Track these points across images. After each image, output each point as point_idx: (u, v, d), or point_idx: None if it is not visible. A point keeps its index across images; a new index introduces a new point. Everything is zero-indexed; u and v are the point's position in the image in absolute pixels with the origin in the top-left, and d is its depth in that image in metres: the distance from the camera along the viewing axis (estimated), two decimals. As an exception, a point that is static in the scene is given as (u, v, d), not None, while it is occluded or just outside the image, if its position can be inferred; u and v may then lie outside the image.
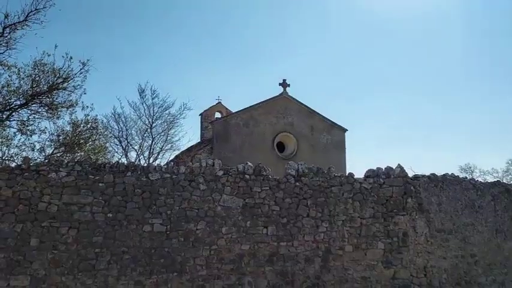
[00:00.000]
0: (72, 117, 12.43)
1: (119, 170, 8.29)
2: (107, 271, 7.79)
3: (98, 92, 47.58)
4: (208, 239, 8.38)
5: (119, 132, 27.24)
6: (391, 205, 9.53)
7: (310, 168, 9.38)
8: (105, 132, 16.46)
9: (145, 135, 27.19)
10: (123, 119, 27.16)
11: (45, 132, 12.41)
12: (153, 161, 26.34)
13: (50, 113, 11.12)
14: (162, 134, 27.17)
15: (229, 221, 8.57)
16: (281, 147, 21.11)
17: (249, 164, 9.11)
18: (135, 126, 27.43)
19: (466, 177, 10.83)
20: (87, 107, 12.28)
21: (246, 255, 8.53)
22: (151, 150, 26.90)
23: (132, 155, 26.97)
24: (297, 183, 9.11)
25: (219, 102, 26.49)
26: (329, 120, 22.09)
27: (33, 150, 12.00)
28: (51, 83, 10.49)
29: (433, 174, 10.33)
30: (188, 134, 54.39)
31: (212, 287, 8.23)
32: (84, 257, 7.73)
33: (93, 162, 8.23)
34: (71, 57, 11.19)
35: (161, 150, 27.92)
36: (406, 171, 9.90)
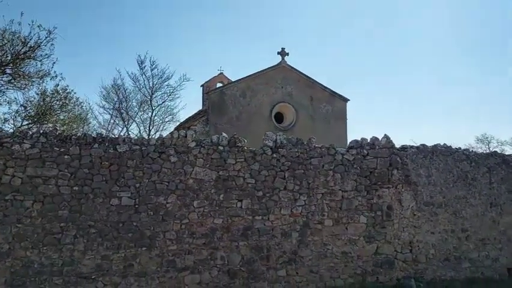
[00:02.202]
0: (40, 87, 12.30)
1: (86, 142, 7.98)
2: (73, 245, 7.59)
3: (100, 65, 47.42)
4: (179, 213, 8.10)
5: (119, 104, 27.33)
6: (375, 177, 9.11)
7: (289, 139, 8.95)
8: (82, 103, 16.09)
9: (145, 107, 27.15)
10: (122, 91, 27.18)
11: (10, 104, 12.35)
12: (155, 133, 26.38)
13: (17, 83, 10.89)
14: (162, 105, 27.09)
15: (202, 194, 8.25)
16: (280, 118, 20.60)
17: (224, 135, 8.72)
18: (136, 98, 27.47)
19: (459, 148, 10.23)
20: (56, 76, 11.96)
21: (218, 229, 8.24)
22: (152, 122, 26.90)
23: (133, 127, 26.96)
24: (274, 155, 8.70)
25: (221, 73, 25.93)
26: (330, 89, 21.34)
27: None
28: (17, 52, 10.22)
29: (423, 145, 9.80)
30: (189, 106, 54.15)
31: (183, 262, 7.99)
32: (49, 231, 7.53)
33: (58, 134, 7.94)
34: (39, 25, 10.86)
35: (162, 122, 27.90)
36: (393, 141, 9.41)
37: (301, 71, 20.87)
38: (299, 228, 8.61)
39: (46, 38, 10.86)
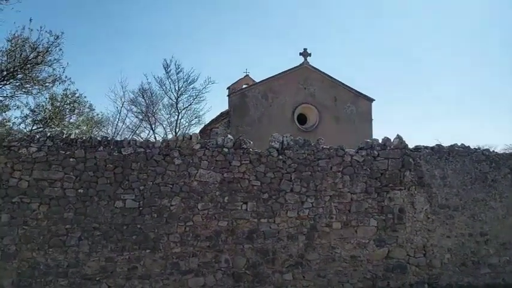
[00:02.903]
0: (50, 91, 12.53)
1: (91, 145, 8.06)
2: (78, 247, 7.67)
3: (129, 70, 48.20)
4: (183, 215, 8.05)
5: (146, 108, 27.81)
6: (386, 179, 8.79)
7: (296, 141, 8.76)
8: (89, 107, 16.40)
9: (172, 110, 27.51)
10: (148, 95, 27.63)
11: (22, 108, 12.66)
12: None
13: (28, 88, 11.17)
14: (188, 108, 27.41)
15: (206, 197, 8.18)
16: (303, 119, 20.38)
17: (229, 136, 8.63)
18: (162, 102, 27.89)
19: (479, 148, 9.76)
20: (65, 81, 12.16)
21: (223, 232, 8.15)
22: (178, 124, 27.20)
23: (160, 130, 27.39)
24: (280, 157, 8.53)
25: (247, 75, 25.91)
26: (354, 90, 20.99)
27: (4, 126, 12.12)
28: (26, 57, 10.46)
29: (438, 145, 9.41)
30: (215, 108, 54.49)
31: (187, 264, 7.94)
32: (54, 233, 7.64)
33: (65, 137, 8.06)
34: (50, 31, 11.10)
35: (189, 125, 28.17)
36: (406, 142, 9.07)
37: (325, 72, 20.60)
38: (306, 231, 8.40)
39: (53, 43, 11.13)
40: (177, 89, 27.25)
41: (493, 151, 10.02)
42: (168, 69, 26.88)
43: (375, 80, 49.10)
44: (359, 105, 20.86)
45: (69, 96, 12.90)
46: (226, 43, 51.53)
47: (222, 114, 21.74)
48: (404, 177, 8.84)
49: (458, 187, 9.23)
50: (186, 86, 27.30)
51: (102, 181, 7.93)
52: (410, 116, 49.76)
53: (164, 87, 27.25)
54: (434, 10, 52.22)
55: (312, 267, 8.33)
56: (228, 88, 26.03)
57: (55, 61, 11.56)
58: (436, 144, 9.44)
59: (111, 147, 8.12)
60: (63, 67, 11.86)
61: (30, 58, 10.69)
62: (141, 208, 7.96)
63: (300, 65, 20.33)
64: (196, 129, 26.91)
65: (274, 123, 18.71)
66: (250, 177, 8.38)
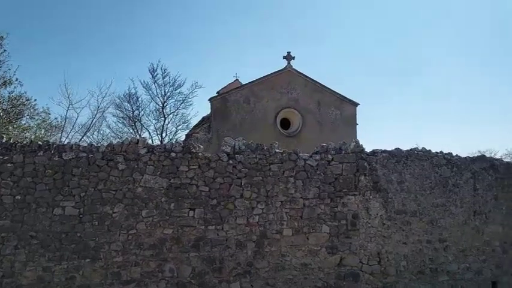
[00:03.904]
0: None
1: (31, 150, 7.77)
2: (14, 256, 7.40)
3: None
4: (125, 223, 7.77)
5: (132, 113, 27.43)
6: (340, 184, 8.53)
7: (248, 145, 8.48)
8: (39, 111, 16.04)
9: (158, 115, 27.15)
10: (134, 100, 27.24)
11: None
12: (168, 141, 26.43)
13: None
14: (175, 114, 27.08)
15: (151, 203, 7.90)
16: (287, 124, 20.04)
17: (179, 141, 8.34)
18: (148, 106, 27.54)
19: (441, 152, 9.50)
20: (10, 83, 11.78)
21: (168, 240, 7.88)
22: (164, 129, 26.86)
23: (146, 135, 27.08)
24: (230, 161, 8.25)
25: (236, 79, 25.33)
26: (338, 94, 20.58)
27: None
28: None
29: (397, 149, 9.14)
30: (204, 113, 54.04)
31: (129, 274, 7.67)
32: (-11, 242, 7.35)
33: (3, 142, 7.75)
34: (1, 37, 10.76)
35: (177, 131, 27.80)
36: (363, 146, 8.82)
37: (309, 76, 20.21)
38: (255, 238, 8.14)
39: None
40: (163, 93, 26.91)
41: (456, 155, 9.76)
42: (155, 74, 26.48)
43: (366, 84, 48.83)
44: (343, 109, 20.48)
45: (15, 99, 12.49)
46: (215, 48, 51.03)
47: (203, 119, 21.41)
48: (359, 182, 8.59)
49: (417, 192, 8.98)
50: (172, 91, 26.95)
51: (41, 187, 7.64)
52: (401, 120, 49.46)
53: (150, 92, 26.86)
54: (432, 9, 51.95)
55: (261, 275, 8.07)
56: (218, 93, 25.72)
57: (1, 62, 11.21)
58: (395, 148, 9.18)
59: (52, 151, 7.82)
60: (9, 69, 11.50)
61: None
62: (81, 216, 7.68)
63: (283, 68, 19.96)
64: (183, 135, 26.57)
65: (256, 127, 18.41)
66: (198, 182, 8.11)
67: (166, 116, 26.98)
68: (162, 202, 7.94)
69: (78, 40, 43.18)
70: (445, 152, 9.63)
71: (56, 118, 18.35)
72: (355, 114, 20.82)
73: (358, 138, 19.90)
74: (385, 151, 9.01)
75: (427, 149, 9.44)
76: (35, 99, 14.76)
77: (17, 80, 11.85)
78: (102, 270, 7.59)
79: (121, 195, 7.83)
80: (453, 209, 9.23)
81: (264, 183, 8.28)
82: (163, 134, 26.82)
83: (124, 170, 7.90)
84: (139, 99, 27.36)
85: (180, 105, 27.19)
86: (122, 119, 27.54)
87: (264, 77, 19.69)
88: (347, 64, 51.96)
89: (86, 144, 8.19)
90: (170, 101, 27.03)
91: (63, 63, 43.40)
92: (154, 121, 27.27)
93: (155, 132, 27.09)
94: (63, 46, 44.55)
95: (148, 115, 27.49)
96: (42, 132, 14.65)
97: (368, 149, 9.04)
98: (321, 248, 8.32)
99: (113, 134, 27.26)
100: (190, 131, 24.16)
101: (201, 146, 8.39)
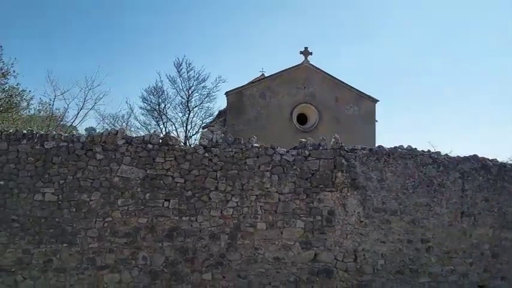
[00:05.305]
0: None
1: (16, 138, 8.16)
2: (-5, 238, 7.78)
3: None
4: (102, 211, 8.03)
5: (158, 106, 28.14)
6: (316, 180, 8.50)
7: (226, 138, 8.60)
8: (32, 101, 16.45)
9: (185, 109, 27.78)
10: (159, 93, 28.00)
11: None
12: (194, 135, 27.14)
13: None
14: (200, 107, 27.70)
15: (127, 193, 8.13)
16: (303, 119, 19.98)
17: (156, 133, 8.56)
18: (174, 100, 28.28)
19: (428, 150, 9.28)
20: (3, 74, 12.23)
21: (142, 229, 8.08)
22: (188, 123, 27.42)
23: (172, 128, 27.77)
24: (206, 154, 8.38)
25: (262, 74, 25.45)
26: (357, 90, 20.31)
27: None
28: None
29: (379, 147, 9.02)
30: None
31: (103, 260, 7.92)
32: (-28, 224, 7.77)
33: (-10, 131, 8.20)
34: None
35: (202, 124, 28.32)
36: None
37: (326, 71, 20.07)
38: (229, 230, 8.23)
39: None
40: (188, 87, 27.51)
41: (445, 154, 9.50)
42: (180, 68, 27.18)
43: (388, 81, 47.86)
44: (362, 106, 20.24)
45: (6, 90, 13.03)
46: (242, 42, 51.38)
47: (220, 112, 21.59)
48: (336, 179, 8.53)
49: (398, 190, 8.82)
50: (196, 85, 27.53)
51: (23, 174, 8.00)
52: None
53: (176, 86, 27.56)
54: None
55: (233, 267, 8.15)
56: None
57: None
58: (377, 146, 9.06)
59: (35, 140, 8.18)
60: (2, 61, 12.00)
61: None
62: (60, 202, 7.99)
63: (300, 64, 19.92)
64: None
65: (272, 122, 18.50)
66: (174, 174, 8.27)
67: (191, 110, 27.55)
68: (138, 192, 8.15)
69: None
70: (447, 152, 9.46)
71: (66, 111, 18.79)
72: (374, 111, 20.52)
73: (377, 135, 19.87)
74: (364, 148, 8.90)
75: (413, 147, 9.26)
76: (30, 91, 15.53)
77: (11, 71, 12.44)
78: (78, 255, 7.88)
79: (98, 184, 8.09)
80: (438, 209, 9.01)
81: (239, 176, 8.36)
82: (188, 127, 27.37)
83: (102, 159, 8.17)
84: (165, 92, 28.10)
85: (205, 99, 27.76)
86: (148, 112, 28.36)
87: (280, 72, 19.69)
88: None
89: (67, 134, 8.49)
90: (195, 95, 27.66)
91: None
92: (180, 114, 27.91)
93: (181, 126, 27.70)
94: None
95: (175, 108, 28.15)
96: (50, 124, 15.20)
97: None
98: (295, 243, 8.31)
99: (139, 125, 28.13)
100: (206, 124, 24.47)
101: (179, 139, 8.54)
